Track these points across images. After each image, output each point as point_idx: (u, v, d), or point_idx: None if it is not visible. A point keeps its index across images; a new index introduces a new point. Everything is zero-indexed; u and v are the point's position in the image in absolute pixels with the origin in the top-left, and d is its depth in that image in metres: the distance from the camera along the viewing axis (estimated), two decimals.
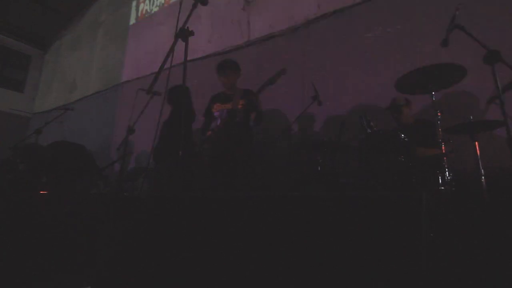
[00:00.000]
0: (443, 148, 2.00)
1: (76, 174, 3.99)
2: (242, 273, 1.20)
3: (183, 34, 1.69)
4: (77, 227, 2.33)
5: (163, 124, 3.48)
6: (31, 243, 2.18)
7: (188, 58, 1.72)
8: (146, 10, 6.62)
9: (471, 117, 2.14)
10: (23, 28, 8.54)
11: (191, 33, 1.71)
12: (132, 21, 6.89)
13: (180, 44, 1.70)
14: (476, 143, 2.11)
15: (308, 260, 1.10)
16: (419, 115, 2.89)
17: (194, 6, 1.74)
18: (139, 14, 6.77)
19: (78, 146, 4.33)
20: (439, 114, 2.05)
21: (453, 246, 1.52)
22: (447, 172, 1.96)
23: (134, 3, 6.97)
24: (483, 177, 1.99)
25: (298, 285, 1.08)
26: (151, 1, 6.56)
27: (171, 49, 1.68)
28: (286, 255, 1.15)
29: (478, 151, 2.08)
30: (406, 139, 2.18)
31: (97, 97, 7.11)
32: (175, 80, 2.21)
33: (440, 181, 2.03)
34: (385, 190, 2.07)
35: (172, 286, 1.30)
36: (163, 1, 6.29)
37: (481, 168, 2.02)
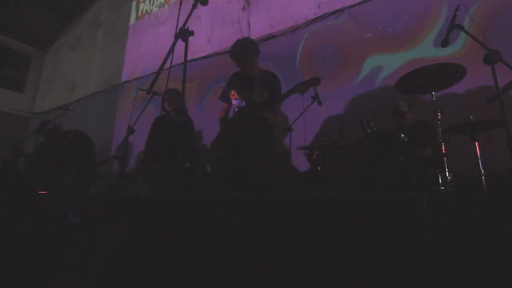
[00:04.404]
0: (443, 148, 2.00)
1: (72, 165, 4.01)
2: (243, 274, 1.20)
3: (183, 34, 1.68)
4: (77, 227, 2.33)
5: (157, 126, 3.46)
6: (31, 243, 2.18)
7: (188, 58, 1.72)
8: (146, 10, 6.61)
9: (471, 117, 2.14)
10: (23, 28, 8.53)
11: (191, 33, 1.71)
12: (132, 21, 6.89)
13: (180, 44, 1.70)
14: (476, 143, 2.11)
15: (307, 260, 1.10)
16: (419, 115, 2.89)
17: (194, 6, 1.74)
18: (139, 14, 6.76)
19: (90, 141, 4.36)
20: (439, 114, 2.05)
21: (453, 246, 1.52)
22: (447, 172, 1.96)
23: (134, 3, 6.97)
24: (483, 177, 1.99)
25: (298, 285, 1.08)
26: (151, 1, 6.55)
27: (171, 49, 1.68)
28: (286, 255, 1.15)
29: (478, 151, 2.08)
30: (406, 139, 2.18)
31: (97, 97, 7.10)
32: (175, 80, 2.21)
33: (440, 181, 2.03)
34: (385, 190, 2.07)
35: (172, 286, 1.30)
36: (163, 1, 6.29)
37: (481, 168, 2.02)
